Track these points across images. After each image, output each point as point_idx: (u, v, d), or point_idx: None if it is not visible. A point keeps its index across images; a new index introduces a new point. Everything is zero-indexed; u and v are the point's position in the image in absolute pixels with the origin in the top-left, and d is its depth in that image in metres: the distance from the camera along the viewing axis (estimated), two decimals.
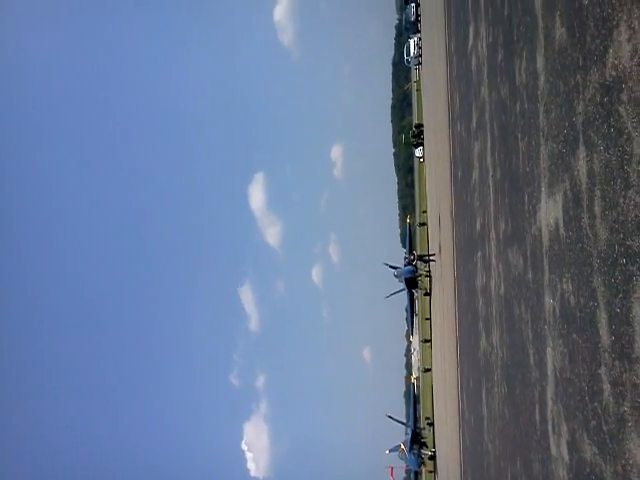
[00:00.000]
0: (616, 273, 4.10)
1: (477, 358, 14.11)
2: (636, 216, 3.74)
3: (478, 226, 13.31)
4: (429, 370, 50.97)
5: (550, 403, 6.46)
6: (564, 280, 5.71)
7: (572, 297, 5.41)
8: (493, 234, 10.90)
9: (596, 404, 4.77)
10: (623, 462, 4.21)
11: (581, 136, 4.96)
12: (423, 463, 48.72)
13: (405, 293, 50.66)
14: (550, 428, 6.49)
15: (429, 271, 44.79)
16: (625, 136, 3.89)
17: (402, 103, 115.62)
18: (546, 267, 6.54)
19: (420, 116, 60.22)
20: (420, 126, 55.37)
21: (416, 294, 52.34)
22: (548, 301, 6.43)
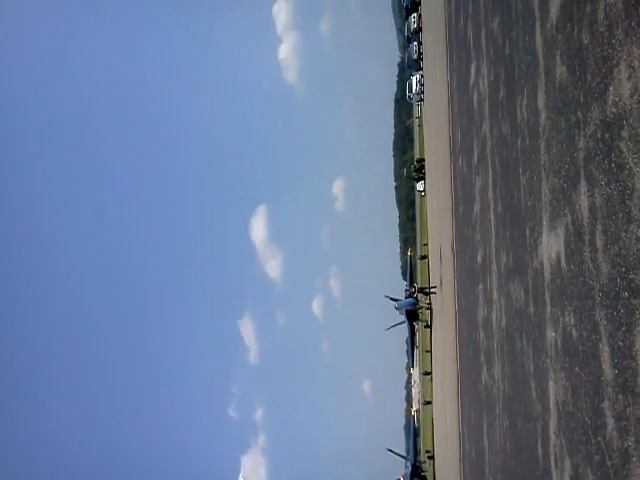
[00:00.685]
0: (619, 306, 4.14)
1: (478, 391, 14.02)
2: (638, 250, 3.79)
3: (479, 259, 13.36)
4: (429, 403, 50.47)
5: (553, 437, 6.42)
6: (566, 313, 5.74)
7: (574, 330, 5.43)
8: (494, 267, 10.94)
9: (599, 438, 4.76)
10: None
11: (582, 171, 5.05)
12: None
13: (406, 325, 50.50)
14: (553, 462, 6.45)
15: (430, 303, 44.72)
16: (626, 171, 3.97)
17: (404, 138, 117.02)
18: (548, 300, 6.57)
19: (422, 151, 60.86)
20: (422, 160, 55.91)
21: (417, 326, 52.15)
22: (550, 334, 6.44)
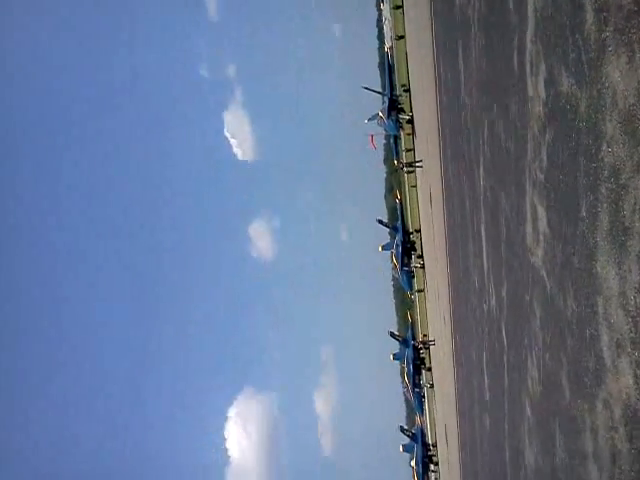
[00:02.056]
0: None
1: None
2: None
3: None
4: (402, 37, 49.94)
5: (529, 45, 6.54)
6: None
7: None
8: None
9: (577, 36, 4.85)
10: (599, 87, 4.45)
11: None
12: (401, 127, 51.13)
13: None
14: (528, 70, 6.69)
15: None
16: None
17: None
18: None
19: None
20: None
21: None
22: None
